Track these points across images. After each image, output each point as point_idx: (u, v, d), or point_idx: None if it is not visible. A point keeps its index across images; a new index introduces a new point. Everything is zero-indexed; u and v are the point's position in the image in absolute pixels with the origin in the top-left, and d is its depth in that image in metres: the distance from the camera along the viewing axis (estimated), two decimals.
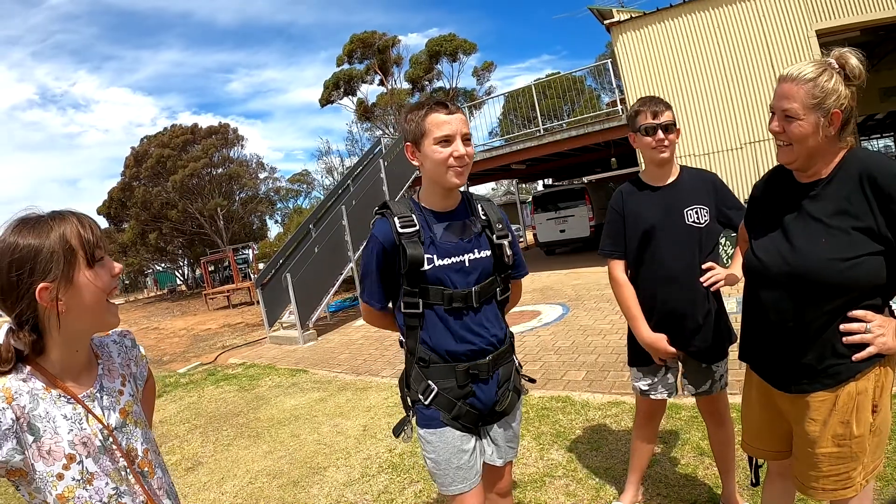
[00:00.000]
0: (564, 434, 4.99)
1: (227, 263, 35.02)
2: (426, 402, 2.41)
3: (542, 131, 17.31)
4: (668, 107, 3.08)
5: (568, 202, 20.60)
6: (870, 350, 2.00)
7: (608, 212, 3.32)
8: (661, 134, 3.01)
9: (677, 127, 3.11)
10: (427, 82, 36.93)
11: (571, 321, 9.59)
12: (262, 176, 46.19)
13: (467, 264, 2.40)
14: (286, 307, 13.36)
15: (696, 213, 3.04)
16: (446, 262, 2.36)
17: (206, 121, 61.70)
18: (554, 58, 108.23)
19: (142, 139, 41.21)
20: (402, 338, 2.51)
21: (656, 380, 3.27)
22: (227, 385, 9.18)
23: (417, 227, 2.34)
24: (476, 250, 2.43)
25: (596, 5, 14.86)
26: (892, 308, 2.14)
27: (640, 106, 3.11)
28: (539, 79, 19.10)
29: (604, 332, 8.48)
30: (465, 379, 2.38)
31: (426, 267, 2.32)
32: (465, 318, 2.39)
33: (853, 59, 2.02)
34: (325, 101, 38.18)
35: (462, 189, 2.52)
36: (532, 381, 2.84)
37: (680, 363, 3.23)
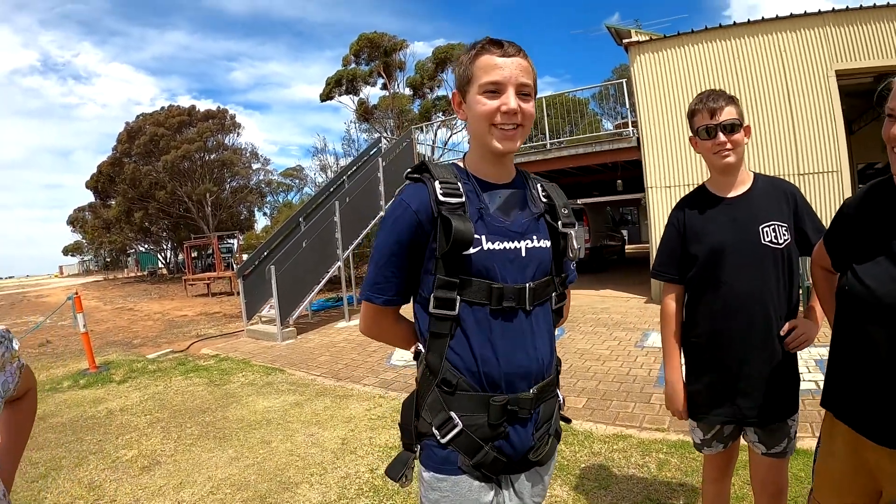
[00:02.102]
0: (568, 468, 4.58)
1: (210, 251, 34.69)
2: (443, 441, 1.81)
3: (548, 146, 17.06)
4: (731, 100, 2.60)
5: None
6: None
7: (666, 227, 2.85)
8: (721, 136, 2.55)
9: (745, 124, 2.61)
10: (429, 90, 36.93)
11: (567, 344, 9.22)
12: (255, 166, 46.31)
13: (523, 254, 1.85)
14: (267, 301, 12.93)
15: (775, 230, 2.53)
16: (497, 246, 1.81)
17: (206, 106, 61.78)
18: (556, 80, 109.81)
19: (137, 116, 41.07)
20: (420, 347, 1.90)
21: (712, 434, 2.76)
22: (197, 377, 8.77)
23: (463, 199, 1.79)
24: (535, 237, 1.90)
25: (615, 25, 14.68)
26: None
27: (697, 104, 2.65)
28: (544, 96, 18.83)
29: (603, 357, 8.12)
30: (500, 416, 1.79)
31: (472, 250, 1.76)
32: (514, 325, 1.83)
33: None
34: (326, 97, 38.11)
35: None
36: (567, 420, 2.19)
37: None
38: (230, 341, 12.23)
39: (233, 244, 35.77)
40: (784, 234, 2.53)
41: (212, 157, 40.54)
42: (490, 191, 1.88)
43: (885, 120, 1.79)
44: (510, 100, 1.76)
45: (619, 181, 18.79)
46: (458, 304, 1.78)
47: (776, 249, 2.52)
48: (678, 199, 2.89)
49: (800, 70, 12.44)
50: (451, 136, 38.68)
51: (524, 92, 1.81)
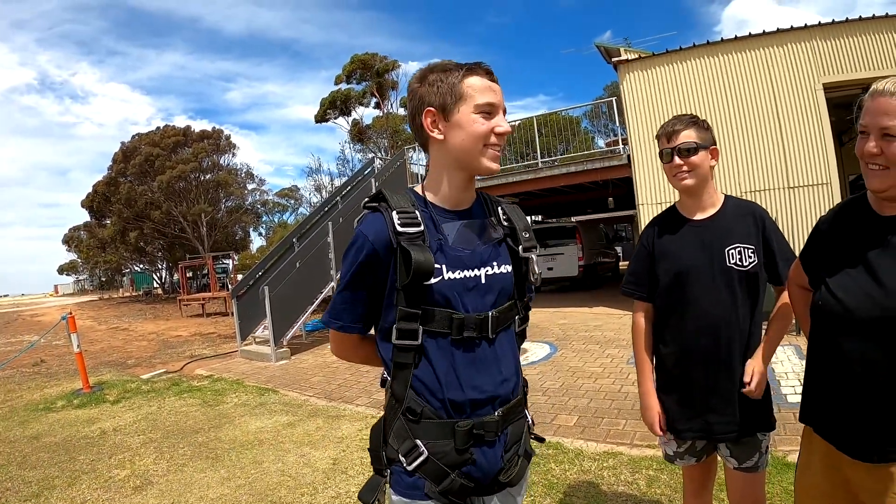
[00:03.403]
0: (557, 486, 4.58)
1: (205, 271, 34.67)
2: (409, 468, 1.80)
3: (539, 164, 17.11)
4: (692, 123, 2.64)
5: (558, 240, 20.45)
6: None
7: (637, 246, 2.92)
8: (676, 159, 2.61)
9: (711, 146, 2.65)
10: None
11: (560, 362, 9.23)
12: (250, 186, 46.20)
13: (483, 281, 1.85)
14: (261, 321, 12.92)
15: (741, 252, 2.57)
16: (457, 275, 1.81)
17: (201, 126, 61.86)
18: (550, 98, 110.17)
19: (133, 136, 41.04)
20: (385, 375, 1.91)
21: (684, 448, 2.79)
22: (191, 398, 8.73)
23: (422, 228, 1.78)
24: (495, 263, 1.90)
25: (604, 43, 14.80)
26: None
27: (659, 130, 2.72)
28: (533, 115, 18.98)
29: (595, 375, 8.10)
30: (466, 441, 1.79)
31: (433, 280, 1.75)
32: (477, 354, 1.83)
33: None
34: (321, 118, 38.21)
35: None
36: (541, 440, 2.23)
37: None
38: (224, 362, 12.18)
39: (228, 264, 35.76)
40: (750, 257, 2.57)
41: (207, 177, 40.48)
42: (449, 218, 1.89)
43: (857, 137, 1.85)
44: (504, 122, 1.83)
45: (611, 199, 18.83)
46: (420, 334, 1.78)
47: (741, 271, 2.56)
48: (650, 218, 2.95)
49: (788, 84, 12.63)
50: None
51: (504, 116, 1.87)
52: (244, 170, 45.50)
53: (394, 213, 1.78)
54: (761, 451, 2.66)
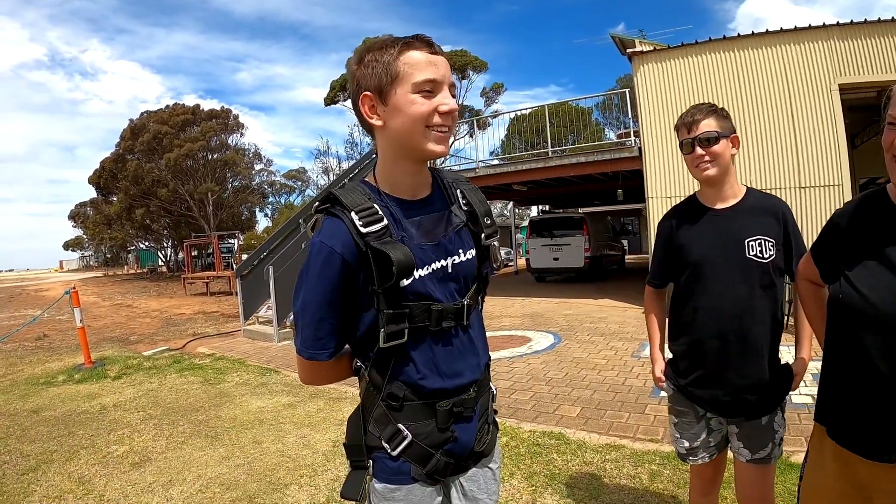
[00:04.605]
0: (559, 476, 4.54)
1: (210, 250, 34.65)
2: (394, 453, 1.76)
3: (550, 153, 17.04)
4: (712, 112, 2.61)
5: (565, 230, 20.43)
6: None
7: (656, 236, 2.90)
8: (698, 150, 2.58)
9: (731, 135, 2.63)
10: None
11: (563, 352, 9.19)
12: (257, 167, 46.39)
13: (450, 270, 1.79)
14: (265, 301, 12.88)
15: (761, 244, 2.54)
16: (427, 270, 1.72)
17: (210, 105, 61.83)
18: (561, 89, 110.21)
19: (142, 113, 41.09)
20: (359, 363, 1.82)
21: (697, 443, 2.76)
22: (192, 375, 8.72)
23: (385, 223, 1.65)
24: (460, 251, 1.83)
25: (619, 34, 14.67)
26: None
27: (678, 120, 2.68)
28: (544, 104, 18.93)
29: (599, 367, 8.06)
30: (447, 420, 1.77)
31: (406, 281, 1.66)
32: (454, 341, 1.80)
33: None
34: (330, 100, 38.27)
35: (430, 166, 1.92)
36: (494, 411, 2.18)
37: (729, 424, 2.70)
38: (227, 341, 12.18)
39: (233, 244, 35.76)
40: (770, 250, 2.54)
41: (214, 156, 40.58)
42: (408, 212, 1.76)
43: (885, 128, 1.78)
44: (450, 99, 1.65)
45: (620, 191, 18.77)
46: (406, 332, 1.69)
47: (761, 263, 2.53)
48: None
49: (803, 83, 12.45)
50: (454, 141, 38.67)
51: (452, 93, 1.70)
52: (252, 150, 45.72)
53: (352, 213, 1.65)
54: (774, 442, 2.63)
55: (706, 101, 2.74)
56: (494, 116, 32.70)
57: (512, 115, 31.74)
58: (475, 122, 26.56)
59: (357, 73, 1.70)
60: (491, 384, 2.05)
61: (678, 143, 2.69)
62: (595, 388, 6.98)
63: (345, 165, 40.82)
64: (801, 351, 2.65)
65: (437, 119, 1.63)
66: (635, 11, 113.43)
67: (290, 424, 6.12)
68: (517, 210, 36.98)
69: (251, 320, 13.09)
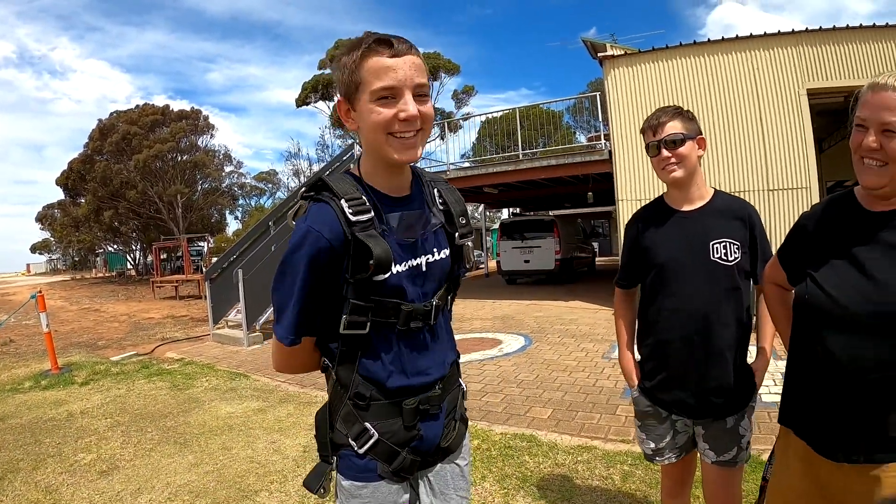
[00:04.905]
0: (531, 478, 4.56)
1: (180, 253, 34.39)
2: (360, 451, 1.77)
3: (520, 156, 17.12)
4: (677, 114, 2.62)
5: (536, 233, 20.53)
6: None
7: (624, 238, 2.92)
8: (664, 152, 2.58)
9: (698, 136, 2.63)
10: None
11: (534, 354, 9.23)
12: (227, 169, 46.09)
13: (424, 269, 1.81)
14: (234, 305, 12.74)
15: (726, 247, 2.55)
16: (404, 267, 1.75)
17: (180, 106, 61.24)
18: (532, 93, 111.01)
19: (111, 113, 40.73)
20: (327, 362, 1.83)
21: (663, 444, 2.77)
22: (161, 381, 8.62)
23: (372, 214, 1.67)
24: (435, 251, 1.86)
25: (591, 38, 14.80)
26: None
27: (644, 123, 2.69)
28: (515, 107, 19.01)
29: (570, 368, 8.11)
30: (413, 417, 1.79)
31: (383, 275, 1.67)
32: (420, 341, 1.82)
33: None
34: (302, 101, 38.19)
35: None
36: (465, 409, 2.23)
37: (695, 425, 2.71)
38: (196, 345, 12.06)
39: (203, 247, 35.54)
40: (735, 252, 2.54)
41: (184, 157, 40.32)
42: (391, 208, 1.78)
43: (852, 130, 1.81)
44: (409, 105, 1.62)
45: (591, 193, 18.88)
46: (368, 325, 1.71)
47: (726, 266, 2.54)
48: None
49: (772, 88, 12.66)
50: (427, 143, 38.69)
51: (421, 93, 1.66)
52: (222, 152, 45.47)
53: (342, 201, 1.66)
54: (741, 446, 2.63)
55: (672, 104, 2.75)
56: (466, 119, 32.70)
57: (483, 118, 31.80)
58: (446, 124, 26.58)
59: (335, 76, 1.78)
60: (461, 381, 2.07)
61: (644, 145, 2.69)
62: (566, 390, 7.01)
63: (315, 168, 40.69)
64: (762, 349, 2.68)
65: (397, 126, 1.63)
66: (607, 16, 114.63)
67: (259, 430, 6.07)
68: (488, 213, 37.07)
69: (220, 324, 12.97)
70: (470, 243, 1.98)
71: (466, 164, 22.37)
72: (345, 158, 18.27)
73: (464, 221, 1.96)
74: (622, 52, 14.30)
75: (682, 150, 2.56)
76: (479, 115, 35.83)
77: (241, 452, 5.42)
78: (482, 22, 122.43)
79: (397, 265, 1.72)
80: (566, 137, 36.06)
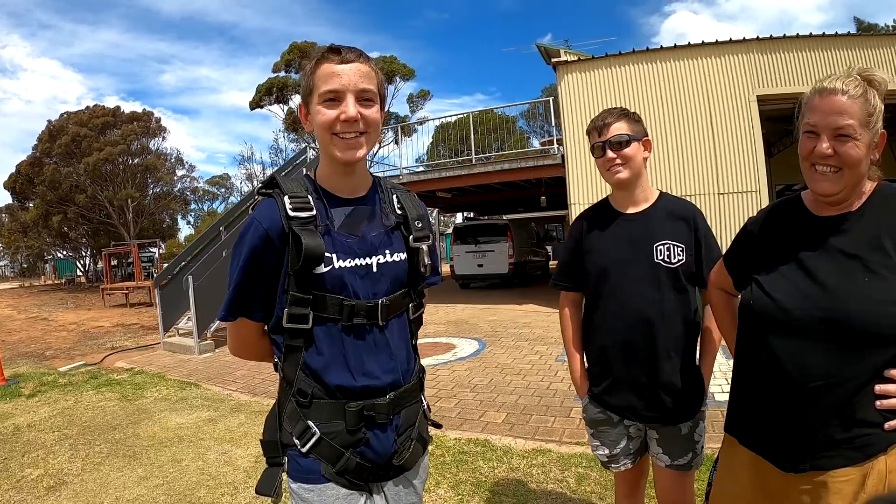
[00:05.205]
0: (485, 484, 4.58)
1: (131, 259, 33.80)
2: (303, 450, 1.81)
3: (473, 160, 17.17)
4: (623, 115, 2.64)
5: (489, 237, 20.59)
6: None
7: (566, 238, 2.92)
8: (609, 153, 2.59)
9: (643, 138, 2.65)
10: None
11: (488, 358, 9.28)
12: (179, 173, 45.50)
13: (375, 269, 1.87)
14: (185, 312, 12.58)
15: (669, 249, 2.56)
16: (348, 263, 1.82)
17: (131, 107, 60.17)
18: (488, 98, 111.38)
19: (61, 114, 39.98)
20: (276, 359, 1.91)
21: (617, 450, 2.77)
22: (110, 392, 8.45)
23: (314, 212, 1.79)
24: (387, 252, 1.92)
25: (545, 44, 14.92)
26: None
27: (590, 125, 2.71)
28: (472, 112, 19.05)
29: (523, 372, 8.18)
30: (356, 422, 1.80)
31: (324, 268, 1.76)
32: (367, 341, 1.84)
33: (879, 74, 1.75)
34: (256, 104, 37.96)
35: (377, 175, 2.06)
36: (437, 426, 2.28)
37: (648, 429, 2.71)
38: (146, 354, 11.87)
39: (154, 253, 35.02)
40: (679, 255, 2.55)
41: (135, 161, 39.72)
42: (339, 205, 1.88)
43: (802, 136, 1.81)
44: (349, 107, 1.76)
45: (543, 198, 19.00)
46: (310, 319, 1.78)
47: (669, 268, 2.55)
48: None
49: (723, 94, 13.01)
50: (379, 148, 38.54)
51: (366, 97, 1.80)
52: (174, 155, 44.96)
53: (286, 197, 1.79)
54: (696, 452, 2.65)
55: (619, 106, 2.76)
56: (420, 123, 32.87)
57: (438, 122, 31.90)
58: (400, 128, 26.59)
59: (299, 83, 1.93)
60: (424, 398, 2.09)
61: (590, 146, 2.70)
62: (520, 394, 7.06)
63: (269, 171, 40.34)
64: (706, 354, 2.69)
65: (339, 127, 1.77)
66: (564, 23, 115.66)
67: (210, 440, 6.00)
68: (443, 217, 37.11)
69: (171, 332, 12.78)
70: (425, 247, 2.00)
71: (421, 169, 22.36)
72: (297, 162, 18.18)
73: (420, 225, 1.99)
74: (576, 58, 14.47)
75: (627, 151, 2.57)
76: (434, 118, 35.94)
77: (191, 464, 5.35)
78: (439, 27, 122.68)
79: (340, 260, 1.80)
80: (520, 142, 36.25)
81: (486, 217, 27.61)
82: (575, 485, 4.43)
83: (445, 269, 25.07)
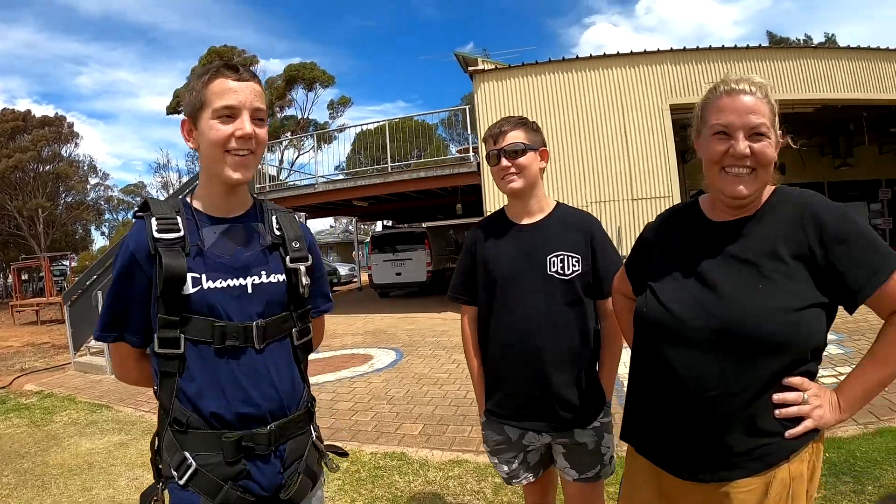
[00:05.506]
0: (401, 499, 4.60)
1: (41, 273, 32.74)
2: (181, 483, 1.75)
3: (390, 168, 17.22)
4: (520, 124, 2.65)
5: (407, 245, 20.62)
6: (806, 424, 1.67)
7: (462, 249, 2.93)
8: (504, 161, 2.60)
9: (540, 148, 2.67)
10: (279, 108, 36.58)
11: (405, 368, 9.32)
12: (92, 181, 44.24)
13: (250, 290, 1.85)
14: None
15: (563, 260, 2.55)
16: (219, 284, 1.80)
17: (43, 111, 58.09)
18: (409, 105, 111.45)
19: None
20: (155, 386, 1.86)
21: (516, 466, 2.74)
22: (18, 417, 8.18)
23: (181, 234, 1.79)
24: (263, 273, 1.89)
25: (463, 52, 15.11)
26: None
27: (486, 132, 2.72)
28: (393, 119, 19.08)
29: (440, 381, 8.23)
30: (235, 453, 1.75)
31: (191, 289, 1.75)
32: (244, 365, 1.80)
33: (757, 77, 1.78)
34: (173, 110, 37.35)
35: (259, 198, 2.06)
36: (343, 454, 2.23)
37: (554, 442, 2.68)
38: (56, 376, 11.48)
39: (66, 266, 34.00)
40: (574, 266, 2.55)
41: (46, 168, 38.51)
42: (212, 224, 1.88)
43: (710, 139, 1.79)
44: (245, 124, 1.78)
45: (459, 205, 19.12)
46: (182, 343, 1.77)
47: (563, 280, 2.55)
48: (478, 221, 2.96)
49: (637, 103, 13.49)
50: (298, 156, 38.33)
51: (258, 117, 1.83)
52: (87, 162, 43.64)
53: (153, 219, 1.78)
54: (604, 463, 2.65)
55: (517, 115, 2.78)
56: (340, 131, 32.65)
57: (357, 129, 31.78)
58: (317, 136, 26.43)
59: (183, 98, 1.89)
60: (312, 427, 2.04)
61: (485, 154, 2.71)
62: (437, 404, 7.09)
63: (185, 179, 39.66)
64: (606, 363, 2.69)
65: (233, 143, 1.78)
66: (486, 33, 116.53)
67: (121, 466, 5.90)
68: (362, 226, 36.95)
69: (82, 351, 12.34)
70: (303, 268, 1.97)
71: (341, 177, 22.25)
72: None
73: (297, 245, 1.98)
74: (492, 67, 14.70)
75: (522, 160, 2.58)
76: (354, 126, 35.78)
77: (101, 492, 5.25)
78: (363, 34, 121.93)
79: (210, 281, 1.79)
80: (440, 150, 36.44)
81: (405, 225, 27.62)
82: (492, 495, 4.46)
83: (365, 277, 25.03)
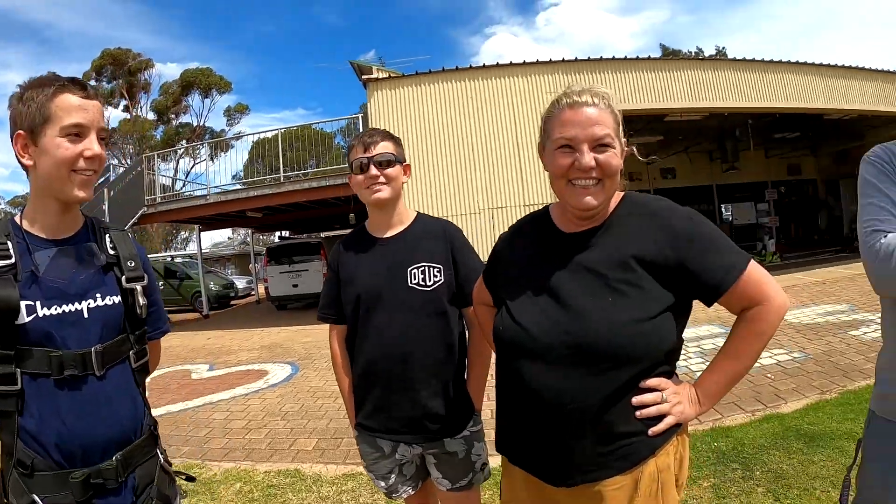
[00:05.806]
0: None
1: None
2: None
3: (282, 178, 16.99)
4: (388, 136, 2.65)
5: (303, 256, 20.41)
6: (668, 421, 1.72)
7: (327, 268, 2.87)
8: (373, 169, 2.54)
9: (404, 163, 2.67)
10: (174, 115, 35.77)
11: (300, 382, 9.11)
12: None
13: (86, 315, 1.75)
14: None
15: (424, 272, 2.54)
16: (55, 311, 1.70)
17: None
18: (309, 113, 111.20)
19: None
20: None
21: (392, 480, 2.71)
22: None
23: (12, 261, 1.67)
24: (99, 295, 1.80)
25: (358, 61, 15.09)
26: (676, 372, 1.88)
27: (354, 139, 2.69)
28: (289, 127, 18.87)
29: (335, 394, 7.96)
30: (84, 492, 1.67)
31: (26, 318, 1.64)
32: (86, 394, 1.72)
33: (600, 87, 1.82)
34: None
35: (90, 215, 1.98)
36: (191, 479, 2.17)
37: (425, 453, 2.68)
38: None
39: None
40: (435, 276, 2.54)
41: None
42: (44, 248, 1.77)
43: (555, 152, 1.80)
44: (94, 144, 1.72)
45: (352, 215, 18.98)
46: (20, 378, 1.65)
47: (424, 291, 2.53)
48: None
49: (529, 112, 13.66)
50: (193, 165, 37.46)
51: (102, 136, 1.77)
52: None
53: None
54: (475, 470, 2.65)
55: (383, 129, 2.74)
56: (237, 139, 32.00)
57: (255, 137, 31.27)
58: (212, 144, 25.99)
59: (14, 109, 1.71)
60: (159, 451, 1.99)
61: (350, 163, 2.65)
62: (332, 417, 6.98)
63: None
64: (474, 374, 2.67)
65: (81, 163, 1.71)
66: (388, 41, 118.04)
67: None
68: (260, 237, 36.36)
69: None
70: (139, 287, 1.89)
71: (237, 187, 21.82)
72: (101, 180, 17.31)
73: (132, 265, 1.91)
74: (387, 76, 14.70)
75: (390, 171, 2.57)
76: (251, 133, 35.26)
77: None
78: (262, 39, 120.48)
79: (45, 308, 1.69)
80: (338, 158, 36.27)
81: (302, 236, 27.34)
82: None
83: (261, 289, 24.63)
